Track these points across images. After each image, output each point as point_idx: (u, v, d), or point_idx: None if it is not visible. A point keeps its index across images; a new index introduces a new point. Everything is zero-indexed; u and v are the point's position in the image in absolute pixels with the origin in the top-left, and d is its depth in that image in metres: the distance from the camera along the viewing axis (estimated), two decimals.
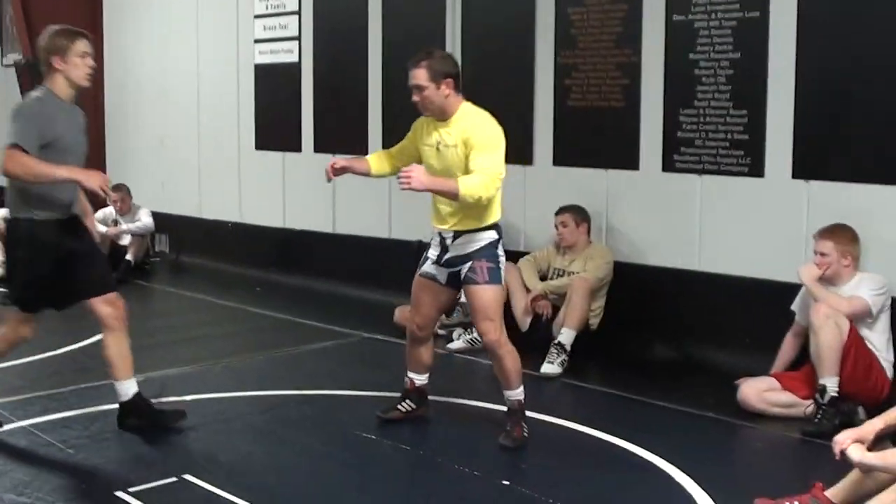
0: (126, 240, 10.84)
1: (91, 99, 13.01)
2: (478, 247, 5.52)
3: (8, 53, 14.87)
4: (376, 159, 5.95)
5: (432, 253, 5.74)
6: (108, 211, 10.98)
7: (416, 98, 5.51)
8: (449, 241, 5.60)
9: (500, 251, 5.60)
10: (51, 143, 5.39)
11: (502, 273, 5.60)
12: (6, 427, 5.83)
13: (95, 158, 13.00)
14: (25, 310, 5.73)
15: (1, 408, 6.21)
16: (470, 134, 5.40)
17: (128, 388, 5.82)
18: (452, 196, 5.30)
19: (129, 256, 10.63)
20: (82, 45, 5.58)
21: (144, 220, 10.88)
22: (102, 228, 10.77)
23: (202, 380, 6.88)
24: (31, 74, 12.81)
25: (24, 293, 5.64)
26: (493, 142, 5.42)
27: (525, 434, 5.64)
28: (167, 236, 11.96)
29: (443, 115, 5.52)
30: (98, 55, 12.81)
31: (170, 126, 12.01)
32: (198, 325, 8.71)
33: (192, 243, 11.74)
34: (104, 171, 13.01)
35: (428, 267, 5.77)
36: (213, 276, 10.87)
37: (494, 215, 5.57)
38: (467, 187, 5.24)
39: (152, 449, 5.61)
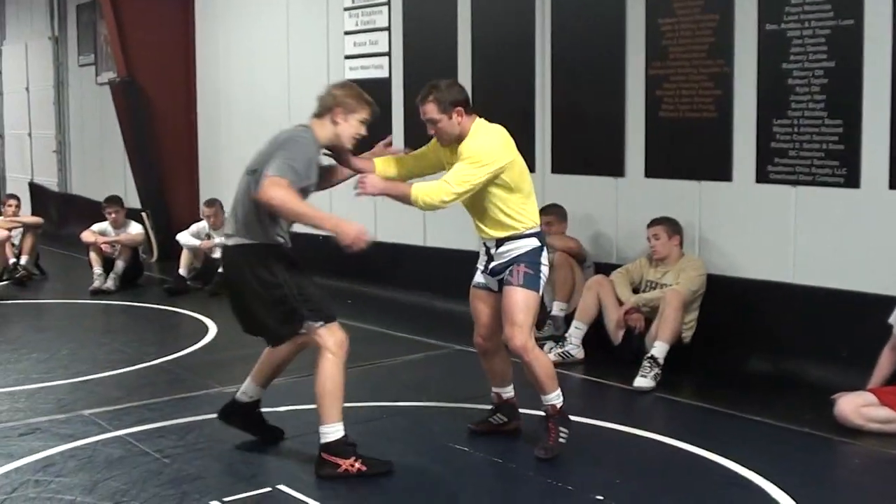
0: (219, 253, 10.97)
1: (184, 115, 13.28)
2: (519, 253, 5.52)
3: (102, 72, 15.20)
4: (382, 162, 5.89)
5: (480, 263, 5.77)
6: (202, 225, 11.15)
7: (431, 131, 5.57)
8: (493, 250, 5.62)
9: (544, 261, 5.58)
10: (305, 188, 5.36)
11: (541, 282, 5.56)
12: (104, 436, 5.96)
13: (188, 173, 13.26)
14: (332, 318, 5.60)
15: (98, 417, 6.37)
16: (462, 149, 5.45)
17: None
18: (405, 201, 5.37)
19: (222, 269, 10.74)
20: (366, 114, 5.60)
21: None
22: (196, 242, 10.97)
23: (295, 391, 6.92)
24: (124, 93, 13.09)
25: (315, 301, 5.53)
26: (473, 154, 5.39)
27: (561, 441, 5.59)
28: None
29: (459, 140, 5.54)
30: (190, 72, 13.20)
31: (261, 141, 12.11)
32: None
33: None
34: (197, 186, 13.24)
35: (478, 277, 5.81)
36: None
37: (528, 220, 5.56)
38: (418, 191, 5.33)
39: (246, 459, 5.67)
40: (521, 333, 5.47)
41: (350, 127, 5.54)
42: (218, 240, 10.90)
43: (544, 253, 5.60)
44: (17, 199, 12.64)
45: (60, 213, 16.55)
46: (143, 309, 10.29)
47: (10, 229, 11.64)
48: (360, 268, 10.70)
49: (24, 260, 11.90)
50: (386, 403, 6.74)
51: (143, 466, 5.50)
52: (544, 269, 5.59)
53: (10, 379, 7.45)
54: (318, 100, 5.58)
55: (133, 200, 13.20)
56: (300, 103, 11.56)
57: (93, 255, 11.24)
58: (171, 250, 11.89)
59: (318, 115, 5.55)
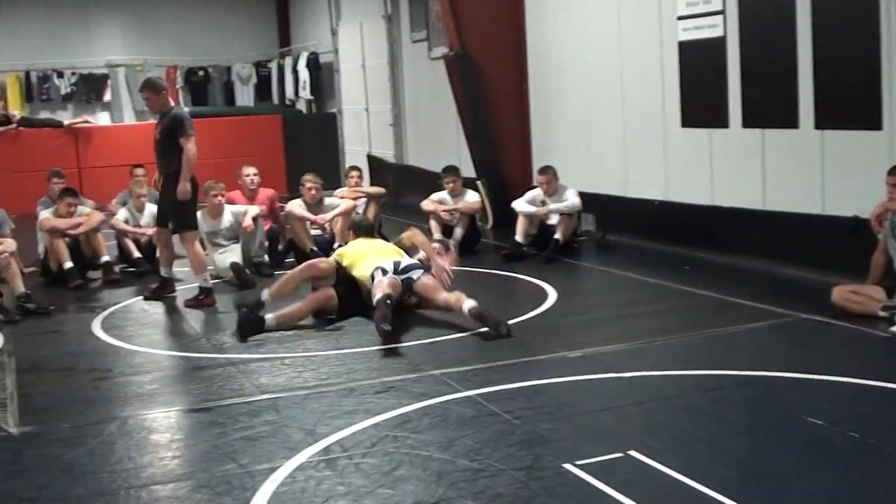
0: (554, 219, 11.04)
1: (516, 84, 13.40)
2: None
3: (434, 47, 15.54)
4: None
5: None
6: (536, 192, 11.22)
7: None
8: None
9: None
10: None
11: None
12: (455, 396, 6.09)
13: (521, 142, 13.37)
14: None
15: (448, 378, 6.52)
16: None
17: None
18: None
19: (557, 235, 10.80)
20: None
21: (571, 199, 11.01)
22: (532, 209, 11.05)
23: (641, 357, 6.86)
24: (458, 66, 13.32)
25: None
26: None
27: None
28: (593, 215, 12.06)
29: None
30: (520, 39, 13.29)
31: (594, 106, 12.11)
32: (629, 303, 8.70)
33: (618, 222, 11.78)
34: (530, 154, 13.34)
35: None
36: (640, 254, 10.85)
37: None
38: None
39: (595, 423, 5.63)
40: None
41: None
42: (553, 206, 10.96)
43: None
44: (360, 170, 13.13)
45: (397, 183, 17.10)
46: (483, 274, 10.46)
47: (355, 199, 12.10)
48: (698, 233, 10.51)
49: None
50: (732, 372, 6.52)
51: (495, 427, 5.57)
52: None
53: (363, 340, 7.77)
54: None
55: (468, 170, 13.44)
56: (632, 69, 11.44)
57: (433, 223, 11.56)
58: (507, 217, 12.05)
59: None
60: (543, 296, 8.98)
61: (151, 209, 11.25)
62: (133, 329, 8.67)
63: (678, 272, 9.77)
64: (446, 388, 6.30)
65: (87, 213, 11.12)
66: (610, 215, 11.92)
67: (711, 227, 10.42)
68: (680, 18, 10.66)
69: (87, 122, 19.45)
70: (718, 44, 10.17)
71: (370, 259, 8.54)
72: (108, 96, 22.26)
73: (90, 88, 22.16)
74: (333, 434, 5.57)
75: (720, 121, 10.21)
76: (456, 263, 9.06)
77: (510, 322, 7.84)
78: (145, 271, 11.04)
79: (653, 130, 11.18)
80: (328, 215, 11.38)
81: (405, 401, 6.10)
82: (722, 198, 10.28)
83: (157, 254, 10.23)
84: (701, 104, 10.52)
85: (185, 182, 9.20)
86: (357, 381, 6.65)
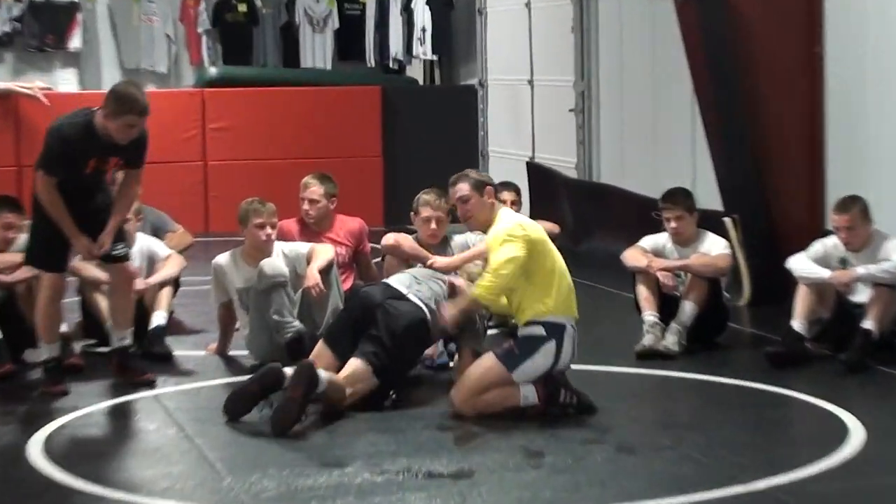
0: (863, 295, 10.85)
1: (802, 49, 13.18)
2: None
3: None
4: None
5: None
6: (832, 243, 11.02)
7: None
8: None
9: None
10: None
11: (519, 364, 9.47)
12: None
13: (807, 154, 13.18)
14: None
15: None
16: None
17: None
18: (477, 306, 9.80)
19: (868, 324, 10.60)
20: None
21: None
22: (823, 273, 10.90)
23: None
24: (701, 15, 13.25)
25: None
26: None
27: None
28: None
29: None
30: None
31: None
32: None
33: None
34: (821, 176, 13.16)
35: None
36: None
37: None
38: (479, 289, 9.59)
39: None
40: None
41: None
42: (862, 270, 10.63)
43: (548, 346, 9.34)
44: (518, 190, 13.22)
45: (579, 214, 17.08)
46: (731, 388, 10.34)
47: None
48: None
49: None
50: None
51: None
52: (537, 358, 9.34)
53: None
54: None
55: (708, 198, 13.25)
56: None
57: (641, 289, 11.20)
58: (777, 285, 11.91)
59: None
60: (840, 433, 8.74)
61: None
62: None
63: None
64: None
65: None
66: None
67: None
68: None
69: (38, 91, 19.60)
70: None
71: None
72: (75, 42, 22.37)
73: (45, 27, 22.31)
74: None
75: None
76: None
77: (777, 483, 7.68)
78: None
79: None
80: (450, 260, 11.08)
81: None
82: None
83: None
84: None
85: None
86: None
